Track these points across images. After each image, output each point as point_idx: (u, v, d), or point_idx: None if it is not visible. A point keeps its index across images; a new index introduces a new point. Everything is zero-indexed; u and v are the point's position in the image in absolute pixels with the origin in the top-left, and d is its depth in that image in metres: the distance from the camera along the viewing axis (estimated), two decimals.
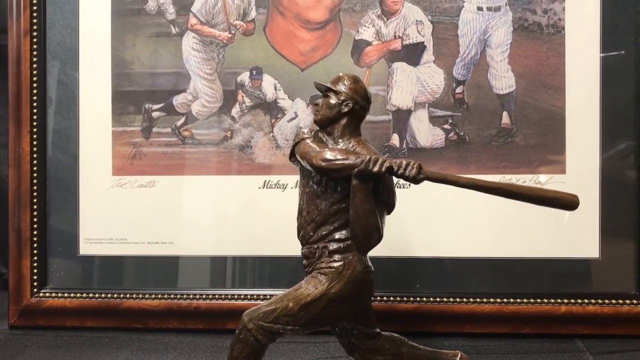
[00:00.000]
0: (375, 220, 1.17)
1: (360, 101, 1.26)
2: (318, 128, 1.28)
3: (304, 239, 1.26)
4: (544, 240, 1.73)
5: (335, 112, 1.25)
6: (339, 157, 1.16)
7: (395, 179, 1.23)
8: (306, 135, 1.23)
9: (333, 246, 1.21)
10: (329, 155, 1.17)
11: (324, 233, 1.22)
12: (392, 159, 1.16)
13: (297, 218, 1.27)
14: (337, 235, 1.21)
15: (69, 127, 1.80)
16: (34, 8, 1.77)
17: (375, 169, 1.13)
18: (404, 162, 1.14)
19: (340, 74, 1.29)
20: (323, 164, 1.16)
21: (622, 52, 1.70)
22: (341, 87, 1.26)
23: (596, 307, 1.70)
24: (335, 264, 1.20)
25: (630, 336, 1.70)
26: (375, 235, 1.19)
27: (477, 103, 1.75)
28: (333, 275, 1.20)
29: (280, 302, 1.21)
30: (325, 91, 1.27)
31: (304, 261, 1.27)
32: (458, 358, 1.34)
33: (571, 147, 1.71)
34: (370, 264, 1.25)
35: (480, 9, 1.74)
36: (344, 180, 1.18)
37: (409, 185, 1.73)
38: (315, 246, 1.23)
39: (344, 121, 1.25)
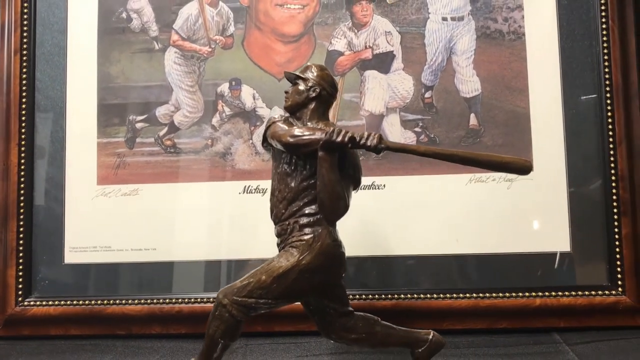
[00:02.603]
0: (341, 190, 1.23)
1: (327, 87, 1.34)
2: (288, 115, 1.36)
3: (276, 217, 1.31)
4: (516, 236, 1.78)
5: (304, 98, 1.33)
6: (306, 133, 1.24)
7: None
8: (277, 119, 1.31)
9: (303, 220, 1.27)
10: (297, 132, 1.24)
11: (294, 209, 1.28)
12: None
13: (270, 199, 1.33)
14: (307, 210, 1.27)
15: (56, 140, 1.87)
16: (25, 28, 1.87)
17: (339, 139, 1.20)
18: (366, 133, 1.22)
19: (308, 64, 1.38)
20: (291, 140, 1.24)
21: (580, 56, 1.81)
22: (309, 75, 1.35)
23: (570, 299, 1.74)
24: (306, 237, 1.26)
25: (604, 328, 1.73)
26: (341, 203, 1.25)
27: (446, 106, 1.83)
28: (304, 248, 1.25)
29: (254, 276, 1.26)
30: (295, 79, 1.36)
31: (277, 240, 1.32)
32: (431, 336, 1.37)
33: (537, 144, 1.79)
34: (339, 238, 1.30)
35: (444, 19, 1.85)
36: (312, 158, 1.25)
37: (384, 185, 1.81)
38: (287, 222, 1.29)
39: (312, 106, 1.33)
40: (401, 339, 1.36)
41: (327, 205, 1.24)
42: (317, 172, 1.23)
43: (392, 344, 1.36)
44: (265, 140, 1.33)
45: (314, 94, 1.33)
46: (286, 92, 1.37)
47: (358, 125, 1.84)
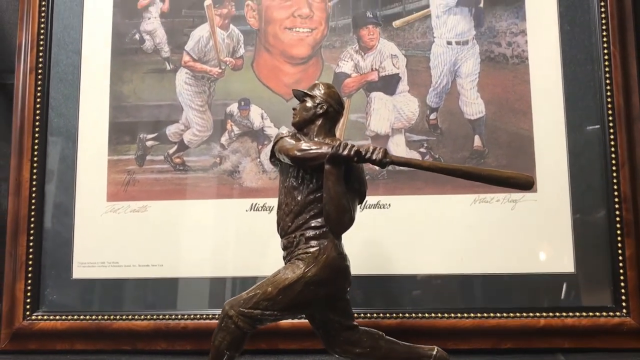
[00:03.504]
0: (346, 202, 1.26)
1: (334, 104, 1.38)
2: (296, 131, 1.39)
3: (283, 230, 1.34)
4: (520, 256, 1.79)
5: (311, 114, 1.37)
6: (313, 147, 1.27)
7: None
8: (285, 135, 1.34)
9: (309, 233, 1.29)
10: (304, 145, 1.27)
11: (301, 222, 1.30)
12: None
13: (277, 212, 1.36)
14: (313, 223, 1.29)
15: (67, 157, 1.91)
16: (41, 48, 1.93)
17: (345, 152, 1.23)
18: (371, 147, 1.25)
19: (316, 82, 1.42)
20: (299, 153, 1.27)
21: (582, 78, 1.85)
22: (316, 92, 1.39)
23: (574, 320, 1.74)
24: (312, 249, 1.28)
25: (608, 349, 1.73)
26: (347, 216, 1.27)
27: (450, 128, 1.87)
28: (309, 260, 1.27)
29: (260, 287, 1.27)
30: (303, 97, 1.40)
31: (283, 252, 1.34)
32: (435, 352, 1.38)
33: (541, 166, 1.82)
34: (345, 252, 1.32)
35: (449, 43, 1.90)
36: (318, 172, 1.28)
37: (390, 205, 1.83)
38: (293, 235, 1.31)
39: (319, 122, 1.37)
40: (405, 354, 1.36)
41: (333, 217, 1.26)
42: (324, 185, 1.25)
43: (396, 358, 1.36)
44: (273, 156, 1.36)
45: (321, 111, 1.36)
46: (294, 109, 1.40)
47: (364, 145, 1.86)
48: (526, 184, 1.26)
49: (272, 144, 1.36)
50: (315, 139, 1.35)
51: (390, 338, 1.37)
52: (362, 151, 1.25)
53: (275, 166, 1.39)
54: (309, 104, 1.38)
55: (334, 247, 1.29)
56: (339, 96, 1.40)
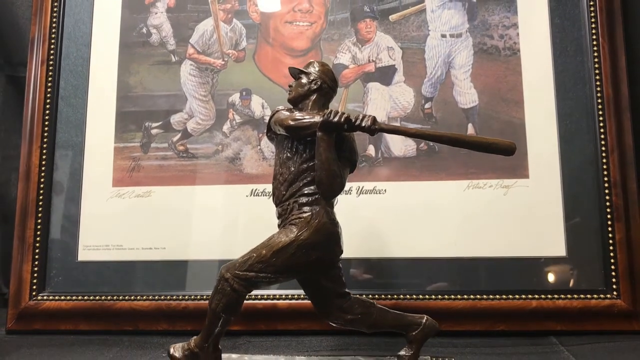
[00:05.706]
0: (337, 168, 1.32)
1: (327, 81, 1.44)
2: (291, 107, 1.46)
3: (277, 199, 1.39)
4: (513, 240, 1.83)
5: (306, 90, 1.43)
6: (306, 117, 1.33)
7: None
8: (280, 109, 1.41)
9: (302, 200, 1.34)
10: (298, 115, 1.34)
11: (294, 190, 1.35)
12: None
13: (272, 183, 1.42)
14: (306, 190, 1.35)
15: (75, 144, 1.98)
16: (52, 41, 2.02)
17: (335, 119, 1.29)
18: (361, 115, 1.31)
19: (311, 60, 1.49)
20: (292, 123, 1.33)
21: (572, 70, 1.91)
22: (311, 70, 1.46)
23: (565, 302, 1.77)
24: (304, 215, 1.33)
25: (600, 331, 1.76)
26: (337, 181, 1.32)
27: (444, 117, 1.93)
28: (302, 224, 1.32)
29: (255, 251, 1.33)
30: (298, 74, 1.46)
31: (278, 221, 1.40)
32: (424, 320, 1.42)
33: (533, 153, 1.87)
34: (336, 219, 1.37)
35: (443, 36, 1.97)
36: (311, 143, 1.34)
37: (385, 190, 1.89)
38: (287, 203, 1.36)
39: (313, 97, 1.43)
40: (395, 322, 1.40)
41: (324, 182, 1.31)
42: (315, 152, 1.31)
43: (386, 326, 1.40)
44: (269, 130, 1.43)
45: (315, 87, 1.43)
46: (290, 86, 1.47)
47: (360, 133, 1.92)
48: (508, 149, 1.31)
49: (269, 118, 1.42)
50: None
51: (381, 306, 1.42)
52: (352, 119, 1.31)
53: (272, 141, 1.46)
54: (304, 80, 1.44)
55: (326, 213, 1.34)
56: (332, 74, 1.47)
